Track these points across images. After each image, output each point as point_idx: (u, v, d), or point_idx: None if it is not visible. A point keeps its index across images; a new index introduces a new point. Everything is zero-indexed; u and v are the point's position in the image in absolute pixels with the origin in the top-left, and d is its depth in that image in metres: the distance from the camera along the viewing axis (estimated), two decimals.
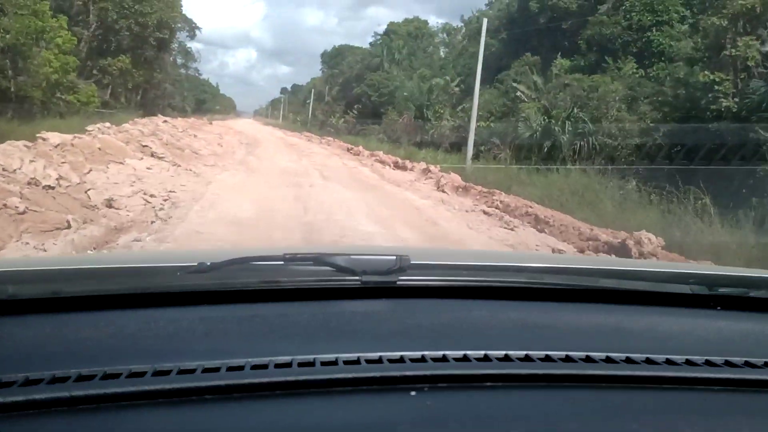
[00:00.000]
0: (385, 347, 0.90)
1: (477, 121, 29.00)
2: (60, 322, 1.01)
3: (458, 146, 30.15)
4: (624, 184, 17.00)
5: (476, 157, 24.58)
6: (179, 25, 52.31)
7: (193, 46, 71.32)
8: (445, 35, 50.44)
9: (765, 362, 0.95)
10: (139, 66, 40.78)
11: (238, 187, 10.01)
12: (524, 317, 1.15)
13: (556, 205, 12.14)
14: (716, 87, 17.60)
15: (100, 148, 9.49)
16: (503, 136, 24.84)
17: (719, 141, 16.12)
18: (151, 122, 17.27)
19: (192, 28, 53.86)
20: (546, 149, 21.47)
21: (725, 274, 1.57)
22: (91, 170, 8.47)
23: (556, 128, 21.09)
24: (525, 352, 0.92)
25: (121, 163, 9.47)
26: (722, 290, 1.26)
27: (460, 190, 13.40)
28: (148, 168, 9.69)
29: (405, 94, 36.88)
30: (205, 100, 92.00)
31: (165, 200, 8.04)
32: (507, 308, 1.18)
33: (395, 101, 39.76)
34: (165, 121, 18.93)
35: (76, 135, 10.13)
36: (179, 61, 57.01)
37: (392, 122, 37.67)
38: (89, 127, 13.16)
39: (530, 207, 10.53)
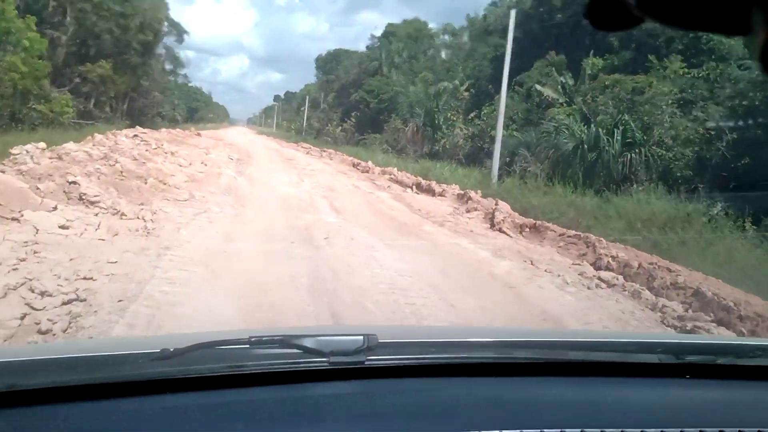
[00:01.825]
0: (355, 430, 0.88)
1: (494, 129, 25.12)
2: (18, 416, 0.94)
3: (475, 158, 26.22)
4: (707, 209, 13.09)
5: (501, 171, 20.72)
6: (165, 30, 48.18)
7: (183, 53, 67.19)
8: (446, 37, 46.52)
9: (739, 431, 0.93)
10: (122, 72, 36.50)
11: (214, 252, 5.94)
12: (496, 394, 1.12)
13: (667, 254, 8.20)
14: None
15: None
16: (532, 147, 20.91)
17: None
18: (113, 138, 13.10)
19: (180, 33, 49.65)
20: (590, 163, 17.54)
21: (692, 342, 1.56)
22: None
23: (605, 138, 17.17)
24: (498, 431, 0.88)
25: (15, 220, 5.42)
26: (690, 358, 1.23)
27: (527, 230, 9.40)
28: (62, 226, 5.59)
29: (409, 99, 32.88)
30: (198, 109, 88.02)
31: (65, 304, 4.02)
32: (478, 385, 1.14)
33: (397, 107, 35.90)
34: (135, 136, 14.78)
35: None
36: (168, 67, 52.76)
37: (396, 131, 33.69)
38: (14, 150, 9.06)
39: (669, 269, 6.56)
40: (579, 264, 7.25)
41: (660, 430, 0.92)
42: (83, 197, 6.62)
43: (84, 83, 35.24)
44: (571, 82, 22.82)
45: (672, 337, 2.51)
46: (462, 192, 12.99)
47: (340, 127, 44.19)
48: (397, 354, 1.17)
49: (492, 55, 33.30)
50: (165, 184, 9.63)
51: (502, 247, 7.93)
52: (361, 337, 1.12)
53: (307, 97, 60.22)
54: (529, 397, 1.11)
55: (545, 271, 6.62)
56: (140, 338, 2.87)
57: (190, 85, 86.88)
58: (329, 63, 55.75)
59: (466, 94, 31.80)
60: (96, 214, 6.43)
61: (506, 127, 24.41)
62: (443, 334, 1.84)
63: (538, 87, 23.40)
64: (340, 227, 8.66)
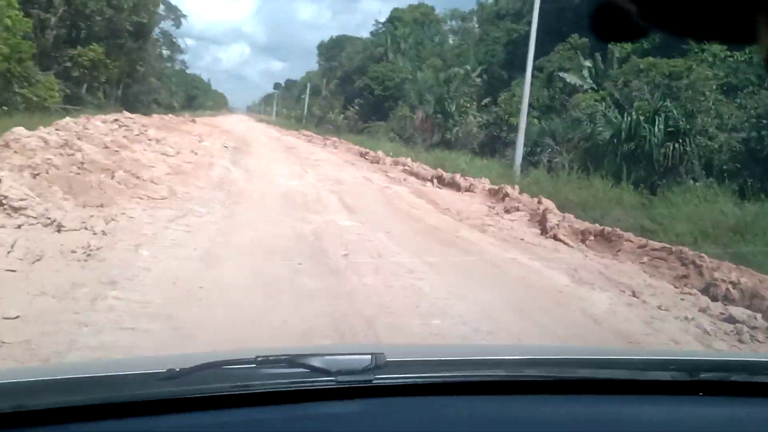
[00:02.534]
0: None
1: (514, 116, 22.99)
2: None
3: (490, 148, 24.13)
4: None
5: (523, 162, 18.72)
6: (162, 13, 45.89)
7: (182, 40, 64.79)
8: (453, 23, 44.27)
9: None
10: (116, 57, 34.26)
11: (185, 291, 3.82)
12: (504, 412, 1.10)
13: None
14: None
15: None
16: (558, 135, 18.83)
17: None
18: (84, 122, 10.99)
19: (177, 17, 47.33)
20: (628, 153, 15.48)
21: (705, 359, 1.50)
22: None
23: (644, 126, 15.09)
24: None
25: None
26: (703, 375, 1.19)
27: (592, 238, 7.37)
28: None
29: (418, 86, 30.71)
30: (197, 96, 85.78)
31: None
32: (487, 404, 1.11)
33: (404, 94, 33.78)
34: (116, 120, 12.66)
35: None
36: (165, 53, 50.50)
37: (403, 119, 31.55)
38: None
39: None
40: (688, 293, 5.22)
41: None
42: (4, 203, 4.53)
43: (74, 67, 33.00)
44: (598, 67, 20.71)
45: (685, 354, 2.32)
46: (494, 187, 10.92)
47: (342, 115, 42.06)
48: (405, 373, 1.13)
49: (506, 39, 31.14)
50: (138, 178, 7.55)
51: (576, 266, 5.89)
52: (369, 356, 1.08)
53: (308, 85, 58.05)
54: (539, 416, 1.08)
55: (659, 308, 4.59)
56: (146, 358, 2.50)
57: (189, 72, 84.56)
58: (332, 49, 53.38)
59: (478, 80, 29.64)
60: (18, 227, 4.38)
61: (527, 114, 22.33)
62: (452, 353, 1.68)
63: (560, 74, 21.24)
64: (359, 235, 6.61)
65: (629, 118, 15.29)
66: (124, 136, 10.48)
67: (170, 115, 26.30)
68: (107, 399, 1.01)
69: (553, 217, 7.84)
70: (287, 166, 14.34)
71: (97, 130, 9.86)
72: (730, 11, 0.43)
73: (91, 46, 32.09)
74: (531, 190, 12.82)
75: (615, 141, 15.45)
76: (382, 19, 45.34)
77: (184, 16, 47.39)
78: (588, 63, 21.06)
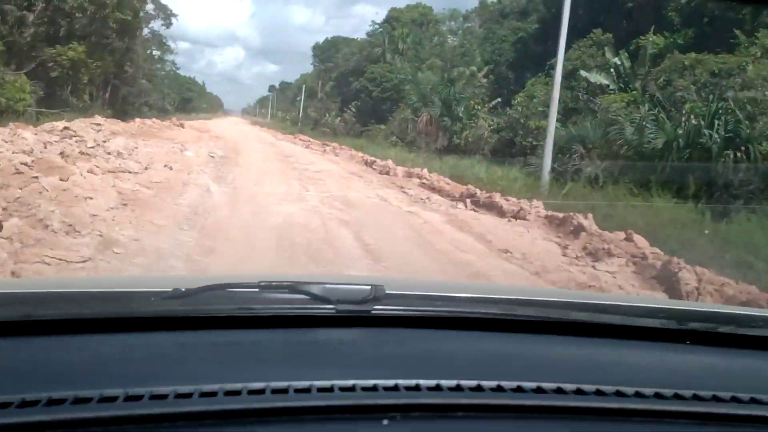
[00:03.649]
0: (359, 375, 0.84)
1: (532, 119, 20.14)
2: (31, 345, 0.92)
3: (503, 153, 21.27)
4: None
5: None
6: (152, 13, 42.72)
7: (173, 40, 61.58)
8: (453, 23, 41.40)
9: (732, 396, 0.89)
10: (98, 56, 31.06)
11: None
12: (497, 348, 1.08)
13: None
14: None
15: None
16: (587, 141, 15.98)
17: None
18: (14, 135, 7.96)
19: (168, 16, 44.09)
20: (682, 163, 12.67)
21: (695, 310, 1.46)
22: None
23: (704, 132, 12.27)
24: (497, 383, 0.85)
25: None
26: (692, 325, 1.20)
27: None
28: None
29: (420, 87, 27.78)
30: (191, 99, 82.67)
31: None
32: (480, 339, 1.09)
33: (404, 96, 30.97)
34: (66, 128, 9.67)
35: None
36: (156, 53, 47.30)
37: (404, 121, 28.63)
38: None
39: None
40: None
41: (655, 390, 0.87)
42: None
43: (54, 67, 29.76)
44: (627, 63, 17.91)
45: (675, 303, 2.27)
46: (556, 215, 8.03)
47: (339, 118, 39.18)
48: (403, 305, 1.11)
49: (513, 38, 28.33)
50: (48, 227, 4.58)
51: None
52: (369, 287, 1.07)
53: (304, 87, 55.10)
54: (530, 353, 1.07)
55: None
56: (152, 278, 2.53)
57: (183, 74, 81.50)
58: (327, 51, 50.33)
59: (484, 80, 26.77)
60: None
61: (545, 116, 19.49)
62: (451, 289, 1.64)
63: (584, 73, 18.35)
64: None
65: (687, 123, 12.42)
66: (61, 153, 7.51)
67: (154, 120, 23.15)
68: (113, 313, 1.00)
69: (688, 276, 4.94)
70: (284, 181, 11.39)
71: (19, 145, 6.85)
72: None
73: (71, 45, 28.86)
74: (571, 206, 9.99)
75: (669, 149, 12.60)
76: (378, 20, 42.37)
77: (175, 15, 44.11)
78: (617, 60, 18.21)
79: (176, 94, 72.89)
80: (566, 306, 1.31)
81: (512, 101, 21.75)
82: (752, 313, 1.47)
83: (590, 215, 7.67)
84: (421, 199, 10.30)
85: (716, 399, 0.88)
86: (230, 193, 9.12)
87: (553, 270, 5.83)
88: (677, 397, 0.88)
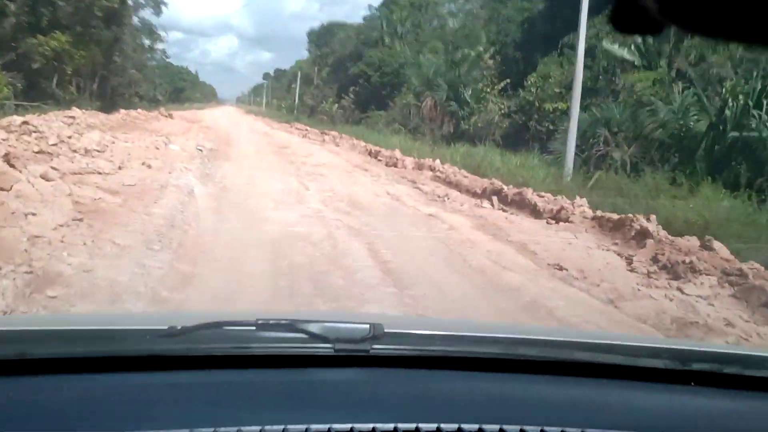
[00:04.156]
0: (357, 418, 0.83)
1: (548, 101, 18.72)
2: (24, 384, 0.91)
3: (516, 140, 19.87)
4: None
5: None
6: (140, 1, 40.97)
7: (162, 29, 59.65)
8: (452, 5, 39.72)
9: None
10: (83, 46, 29.48)
11: None
12: (498, 389, 1.05)
13: None
14: None
15: None
16: (612, 125, 14.59)
17: None
18: None
19: (157, 4, 42.36)
20: (725, 149, 11.31)
21: (699, 350, 1.38)
22: None
23: (754, 114, 10.88)
24: (499, 426, 0.83)
25: None
26: (696, 366, 1.14)
27: None
28: None
29: (422, 71, 26.28)
30: (184, 89, 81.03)
31: None
32: (481, 380, 1.06)
33: (403, 81, 29.57)
34: (25, 123, 8.28)
35: None
36: (146, 42, 45.63)
37: (406, 107, 27.17)
38: None
39: None
40: None
41: None
42: None
43: (36, 58, 28.23)
44: (650, 39, 16.44)
45: (680, 343, 2.03)
46: (608, 215, 6.67)
47: (336, 105, 37.71)
48: (403, 344, 1.07)
49: (520, 18, 26.78)
50: None
51: None
52: (367, 326, 1.03)
53: (299, 74, 53.54)
54: (532, 395, 1.04)
55: None
56: (147, 314, 2.49)
57: (175, 64, 79.95)
58: (323, 36, 48.59)
59: (490, 62, 25.28)
60: None
61: (561, 98, 18.07)
62: (450, 327, 1.54)
63: (607, 47, 16.87)
64: None
65: (735, 103, 11.03)
66: (6, 154, 6.08)
67: (140, 110, 21.65)
68: (109, 352, 0.99)
69: None
70: (280, 178, 10.01)
71: None
72: (752, 11, 0.40)
73: (53, 34, 27.28)
74: (615, 203, 8.63)
75: (712, 132, 11.22)
76: (375, 5, 40.72)
77: (164, 3, 42.34)
78: (637, 37, 16.75)
79: (168, 84, 71.18)
80: (567, 345, 1.25)
81: (524, 83, 20.28)
82: (758, 354, 1.36)
83: (653, 216, 6.28)
84: (439, 196, 8.93)
85: None
86: (217, 195, 7.74)
87: (630, 296, 4.48)
88: None
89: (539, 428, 0.83)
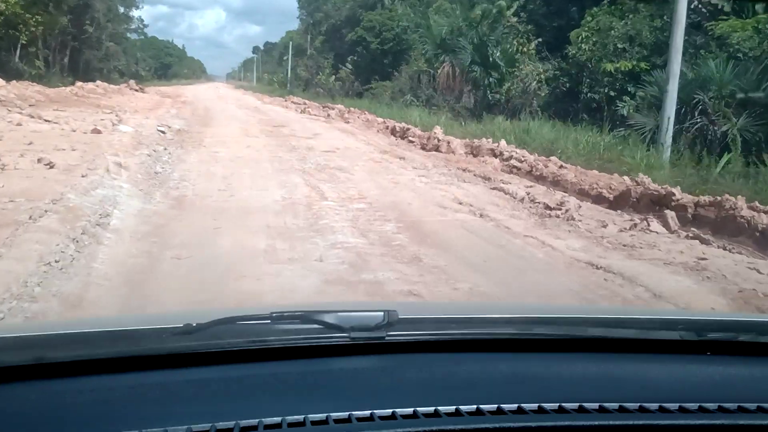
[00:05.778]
0: (376, 404, 0.82)
1: (606, 60, 14.83)
2: (44, 389, 0.88)
3: (561, 110, 16.04)
4: None
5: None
6: None
7: (156, 7, 54.99)
8: None
9: (758, 407, 0.85)
10: (39, 9, 25.04)
11: None
12: (515, 369, 1.02)
13: None
14: None
15: None
16: (715, 89, 10.80)
17: None
18: None
19: None
20: None
21: (714, 320, 1.39)
22: None
23: None
24: (517, 405, 0.83)
25: None
26: (711, 335, 1.13)
27: None
28: None
29: (434, 34, 22.12)
30: (171, 64, 76.10)
31: None
32: (498, 360, 1.04)
33: (410, 46, 25.63)
34: None
35: None
36: (121, 9, 41.10)
37: (416, 75, 23.14)
38: None
39: None
40: None
41: (679, 404, 0.84)
42: None
43: None
44: None
45: (693, 314, 2.08)
46: None
47: (334, 76, 33.56)
48: (417, 330, 1.07)
49: None
50: None
51: None
52: (382, 313, 1.01)
53: (291, 45, 49.05)
54: (549, 373, 1.01)
55: None
56: (161, 314, 2.43)
57: (161, 39, 75.04)
58: (315, 1, 44.00)
59: (514, 19, 21.19)
60: None
61: (621, 55, 14.20)
62: (463, 310, 1.56)
63: None
64: None
65: None
66: None
67: (99, 83, 17.51)
68: (126, 352, 0.97)
69: None
70: (276, 177, 6.13)
71: None
72: None
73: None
74: None
75: None
76: None
77: None
78: None
79: (153, 60, 66.23)
80: (582, 322, 1.25)
81: (564, 41, 16.29)
82: None
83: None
84: (550, 207, 5.10)
85: (742, 410, 0.85)
86: (158, 227, 3.88)
87: None
88: (702, 410, 0.85)
89: (557, 405, 0.83)
